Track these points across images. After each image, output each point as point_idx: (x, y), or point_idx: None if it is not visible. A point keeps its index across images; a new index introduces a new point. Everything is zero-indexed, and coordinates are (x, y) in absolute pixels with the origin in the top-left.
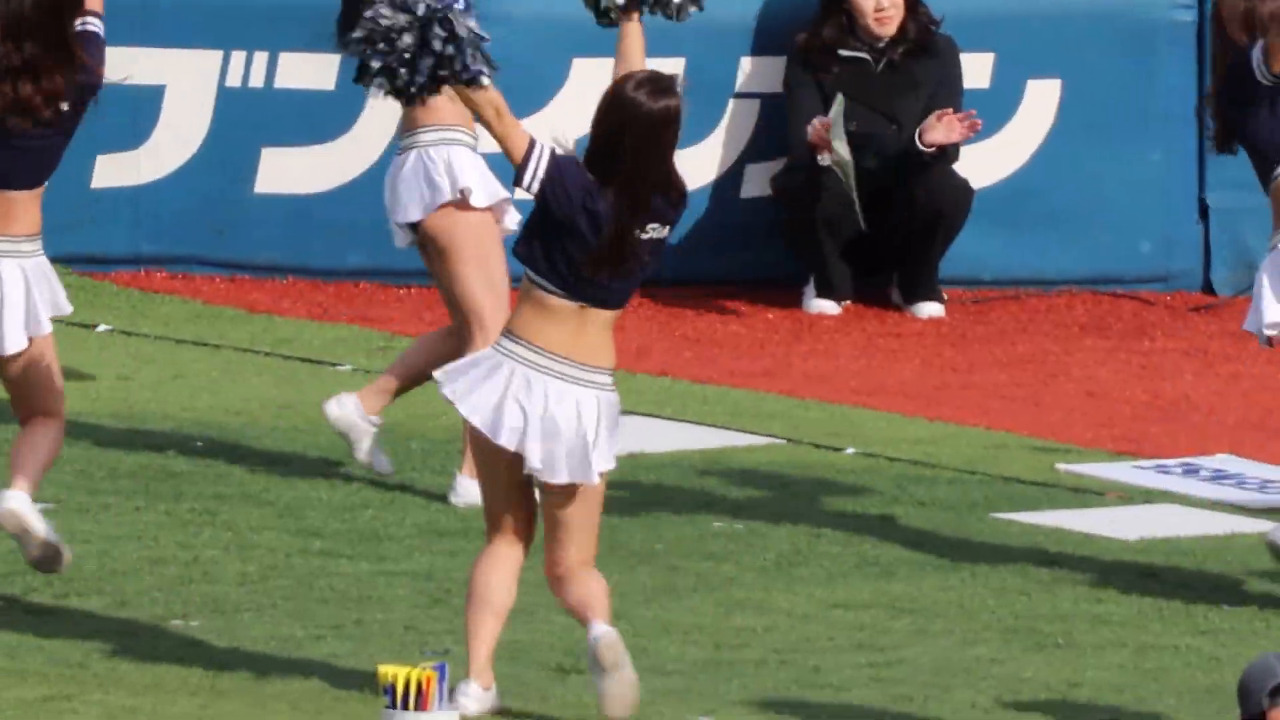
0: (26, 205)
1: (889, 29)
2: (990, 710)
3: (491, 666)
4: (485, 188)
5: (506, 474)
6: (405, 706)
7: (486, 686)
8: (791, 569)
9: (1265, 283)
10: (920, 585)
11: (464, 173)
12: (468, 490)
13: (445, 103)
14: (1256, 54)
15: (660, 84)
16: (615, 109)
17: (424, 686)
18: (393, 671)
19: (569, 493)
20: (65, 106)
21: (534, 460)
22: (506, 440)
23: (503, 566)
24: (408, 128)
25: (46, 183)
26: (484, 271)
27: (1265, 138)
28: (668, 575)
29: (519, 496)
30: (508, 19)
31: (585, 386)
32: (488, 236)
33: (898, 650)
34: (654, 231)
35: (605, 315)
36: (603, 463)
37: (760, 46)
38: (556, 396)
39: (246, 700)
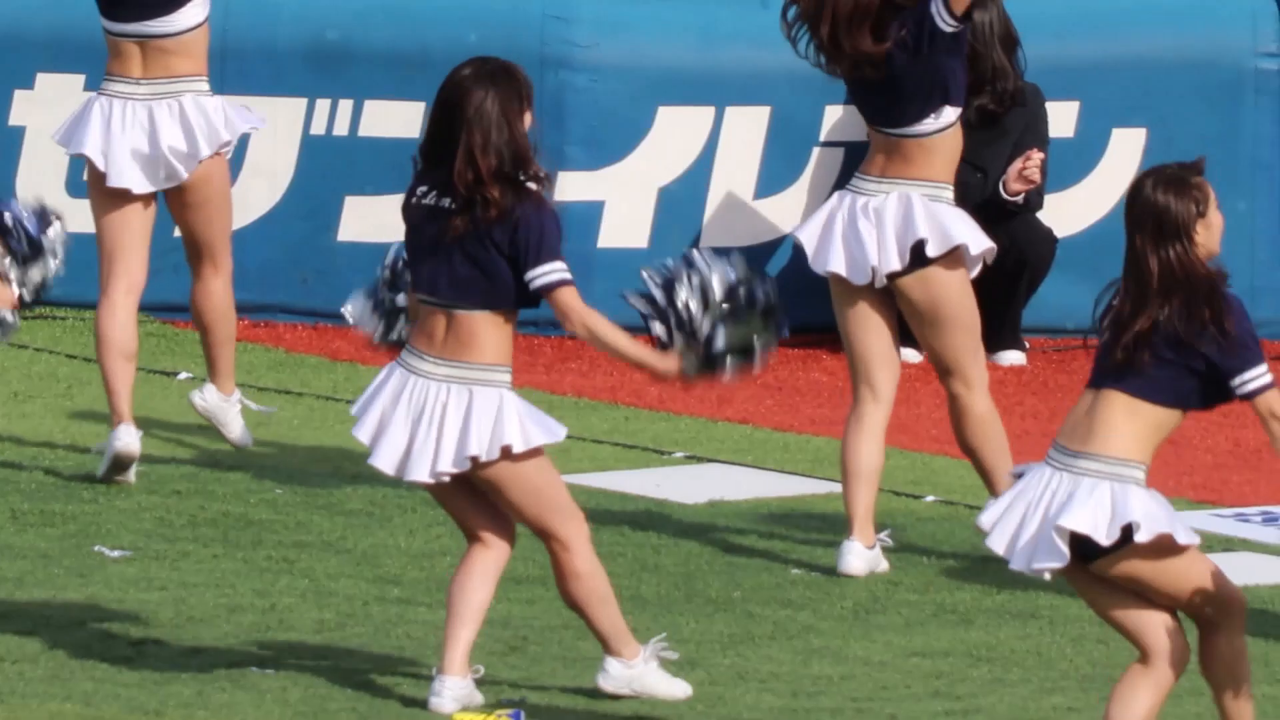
0: None
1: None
2: None
3: None
4: None
5: None
6: None
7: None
8: (869, 617)
9: None
10: (998, 634)
11: None
12: None
13: None
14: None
15: None
16: None
17: None
18: (469, 718)
19: None
20: None
21: None
22: None
23: None
24: None
25: None
26: None
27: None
28: (745, 623)
29: None
30: (595, 68)
31: None
32: None
33: (975, 699)
34: None
35: None
36: None
37: (846, 94)
38: None
39: None
